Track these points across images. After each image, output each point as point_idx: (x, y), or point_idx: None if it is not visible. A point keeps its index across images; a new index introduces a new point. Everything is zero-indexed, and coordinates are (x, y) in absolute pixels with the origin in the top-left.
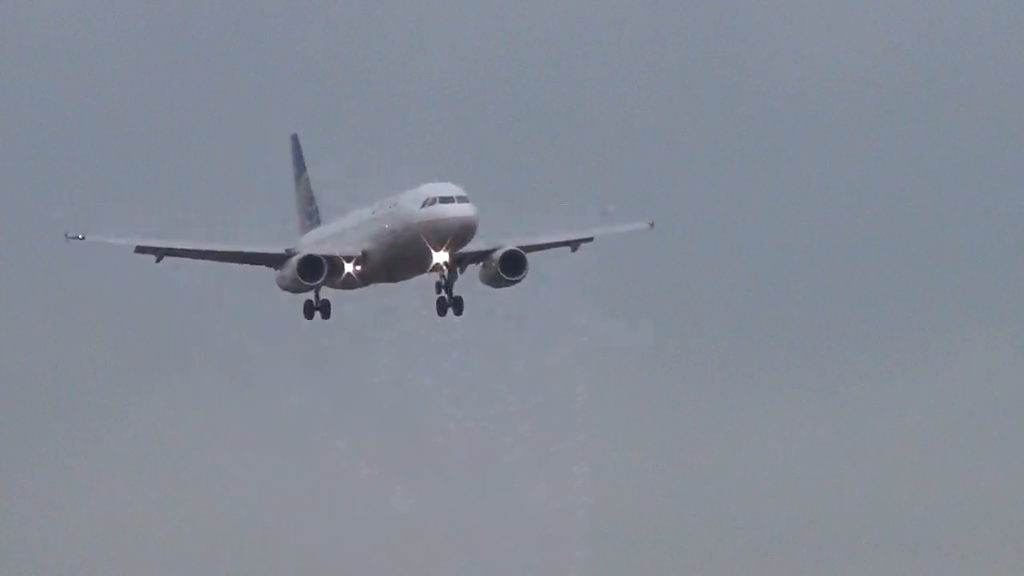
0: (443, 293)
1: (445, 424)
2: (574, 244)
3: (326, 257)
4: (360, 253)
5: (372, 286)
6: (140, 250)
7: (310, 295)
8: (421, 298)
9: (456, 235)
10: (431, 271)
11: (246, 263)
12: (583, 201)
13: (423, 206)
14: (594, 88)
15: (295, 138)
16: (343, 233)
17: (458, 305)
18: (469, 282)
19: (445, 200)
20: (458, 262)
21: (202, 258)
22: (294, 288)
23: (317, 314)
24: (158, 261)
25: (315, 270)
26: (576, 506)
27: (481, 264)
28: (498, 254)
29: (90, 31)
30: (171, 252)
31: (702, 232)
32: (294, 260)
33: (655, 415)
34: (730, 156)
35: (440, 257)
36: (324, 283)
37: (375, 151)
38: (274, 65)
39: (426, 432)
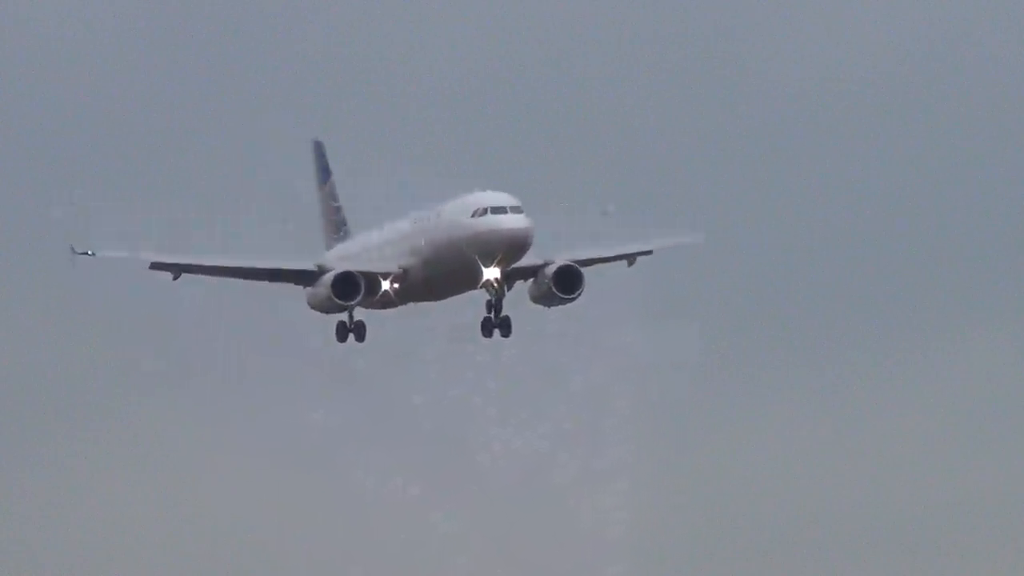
0: (491, 313)
1: (493, 457)
2: (631, 258)
3: (363, 274)
4: (399, 269)
5: (409, 305)
6: (156, 267)
7: (343, 316)
8: (463, 317)
9: (509, 250)
10: (479, 288)
11: (272, 281)
12: (637, 211)
13: (472, 217)
14: (646, 95)
15: (318, 144)
16: (378, 247)
17: (505, 326)
18: (517, 300)
19: (497, 210)
20: (506, 278)
21: (223, 276)
22: (327, 308)
23: (351, 336)
24: (175, 279)
25: (351, 289)
26: (632, 536)
27: (531, 280)
28: (551, 269)
29: (102, 33)
30: (190, 269)
31: (760, 243)
32: (328, 277)
33: (717, 446)
34: (778, 165)
35: (490, 273)
36: (360, 303)
37: (402, 159)
38: (293, 68)
39: (473, 466)
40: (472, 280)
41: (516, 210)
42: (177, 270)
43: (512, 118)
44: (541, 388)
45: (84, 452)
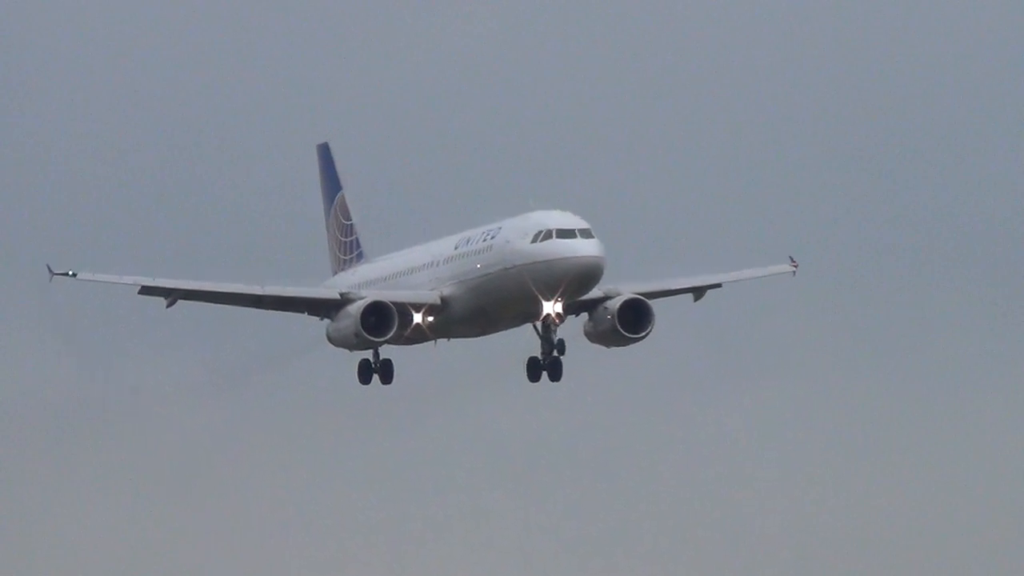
0: (549, 352)
1: (546, 523)
2: (698, 292)
3: (396, 305)
4: (438, 300)
5: (439, 341)
6: (147, 291)
7: (367, 353)
8: (505, 356)
9: (578, 280)
10: (531, 321)
11: (284, 310)
12: (701, 237)
13: (534, 241)
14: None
15: (325, 148)
16: (409, 272)
17: (555, 368)
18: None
19: (564, 234)
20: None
21: (226, 303)
22: (352, 344)
23: (375, 378)
24: (169, 306)
25: (383, 322)
26: None
27: (588, 315)
28: (616, 304)
29: (96, 42)
30: (187, 295)
31: (848, 275)
32: (355, 308)
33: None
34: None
35: (550, 307)
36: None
37: (425, 173)
38: (298, 73)
39: (521, 531)
40: (526, 314)
41: (586, 234)
42: (172, 296)
43: (565, 132)
44: (598, 446)
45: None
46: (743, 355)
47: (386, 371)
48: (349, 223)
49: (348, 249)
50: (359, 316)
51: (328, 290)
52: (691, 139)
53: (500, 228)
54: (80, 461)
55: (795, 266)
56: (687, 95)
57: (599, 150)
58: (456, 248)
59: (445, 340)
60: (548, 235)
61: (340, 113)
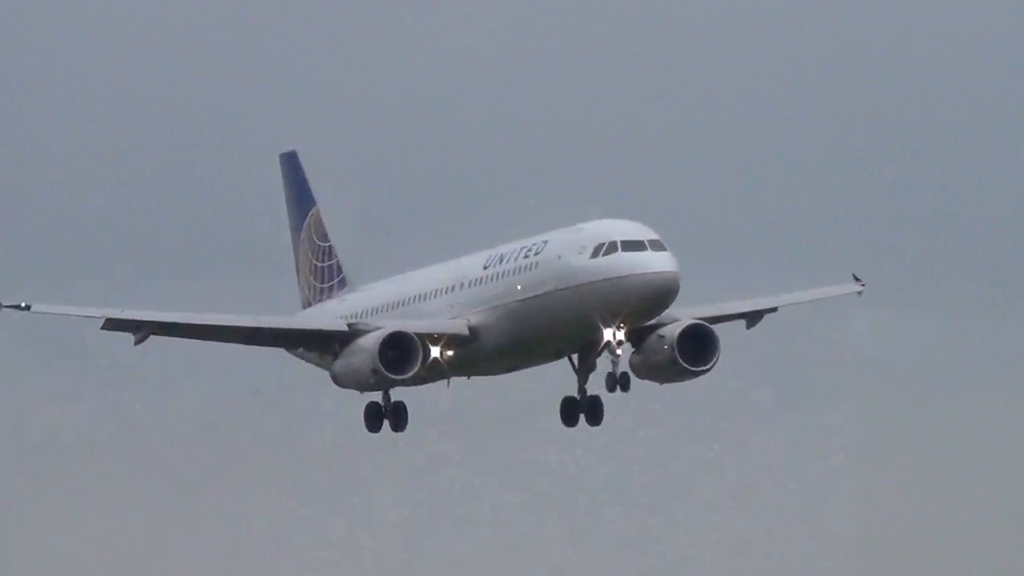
0: (614, 385)
1: None
2: (753, 317)
3: (419, 336)
4: (465, 330)
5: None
6: (112, 326)
7: (375, 394)
8: (532, 395)
9: (650, 300)
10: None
11: (276, 346)
12: (748, 254)
13: (595, 255)
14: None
15: (291, 158)
16: (419, 300)
17: (594, 409)
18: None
19: (631, 246)
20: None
21: (206, 338)
22: (367, 384)
23: (385, 424)
24: (138, 343)
25: (405, 356)
26: None
27: (635, 346)
28: (675, 331)
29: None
30: (162, 329)
31: (923, 294)
32: (371, 341)
33: None
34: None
35: (610, 334)
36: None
37: (415, 187)
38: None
39: None
40: (576, 344)
41: (657, 246)
42: (143, 330)
43: (580, 140)
44: (652, 504)
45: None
46: (808, 391)
47: (398, 416)
48: (326, 245)
49: (326, 276)
50: (377, 350)
51: (335, 320)
52: (720, 140)
53: (546, 242)
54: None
55: (862, 285)
56: (729, 96)
57: (616, 157)
58: (486, 267)
59: (464, 378)
60: (612, 248)
61: (308, 116)
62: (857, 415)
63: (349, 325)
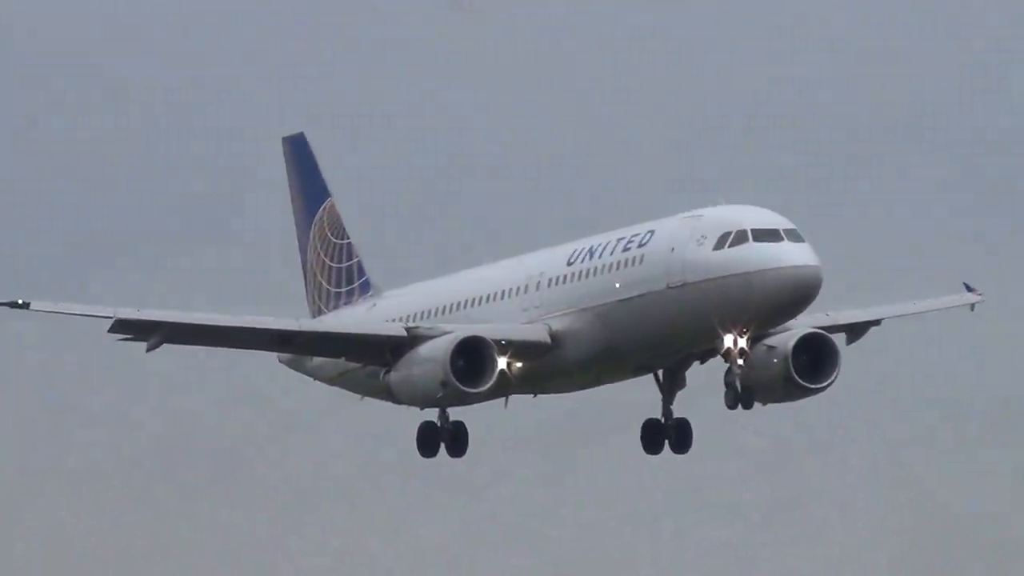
0: (736, 402)
1: None
2: (855, 330)
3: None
4: (546, 337)
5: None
6: (122, 328)
7: (429, 413)
8: (598, 416)
9: (790, 300)
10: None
11: (313, 354)
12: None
13: (719, 246)
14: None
15: (298, 141)
16: (482, 302)
17: (683, 435)
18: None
19: (764, 235)
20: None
21: (230, 344)
22: (434, 399)
23: (442, 447)
24: (151, 349)
25: (480, 365)
26: None
27: (733, 361)
28: (788, 341)
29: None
30: (181, 333)
31: None
32: (441, 347)
33: None
34: None
35: (730, 340)
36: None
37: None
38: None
39: None
40: (680, 352)
41: (794, 236)
42: (158, 334)
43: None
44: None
45: None
46: (923, 417)
47: (458, 438)
48: (344, 243)
49: (343, 279)
50: (448, 358)
51: (391, 325)
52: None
53: (652, 232)
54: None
55: (979, 296)
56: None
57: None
58: (571, 263)
59: (529, 396)
60: (741, 237)
61: (319, 95)
62: (973, 444)
63: (408, 330)
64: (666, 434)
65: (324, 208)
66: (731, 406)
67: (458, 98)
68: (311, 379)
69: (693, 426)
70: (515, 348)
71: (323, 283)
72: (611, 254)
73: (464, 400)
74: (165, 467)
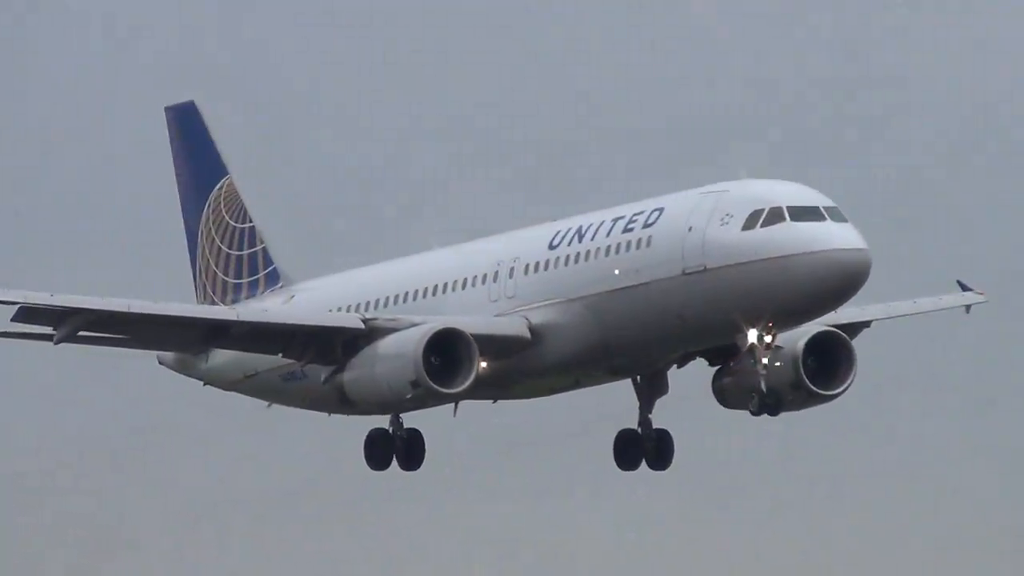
0: (764, 397)
1: None
2: (849, 331)
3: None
4: (525, 332)
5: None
6: (28, 316)
7: (379, 419)
8: (561, 424)
9: (833, 291)
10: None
11: (249, 349)
12: None
13: (749, 226)
14: None
15: (186, 112)
16: (442, 291)
17: (662, 447)
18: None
19: (804, 214)
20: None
21: (148, 338)
22: (396, 402)
23: (394, 459)
24: (60, 341)
25: (455, 363)
26: None
27: (726, 364)
28: (799, 342)
29: None
30: (98, 321)
31: None
32: (412, 341)
33: None
34: None
35: (754, 335)
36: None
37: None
38: None
39: None
40: (682, 350)
41: (836, 215)
42: (72, 324)
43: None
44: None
45: None
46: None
47: (412, 448)
48: (245, 227)
49: (244, 268)
50: (420, 353)
51: (343, 315)
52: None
53: (660, 211)
54: None
55: (980, 295)
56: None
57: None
58: (554, 246)
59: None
60: (775, 216)
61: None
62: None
63: (365, 321)
64: (643, 447)
65: (220, 188)
66: (756, 412)
67: (383, 59)
68: (201, 383)
69: (674, 438)
70: (488, 344)
71: (218, 273)
72: (607, 236)
73: (437, 401)
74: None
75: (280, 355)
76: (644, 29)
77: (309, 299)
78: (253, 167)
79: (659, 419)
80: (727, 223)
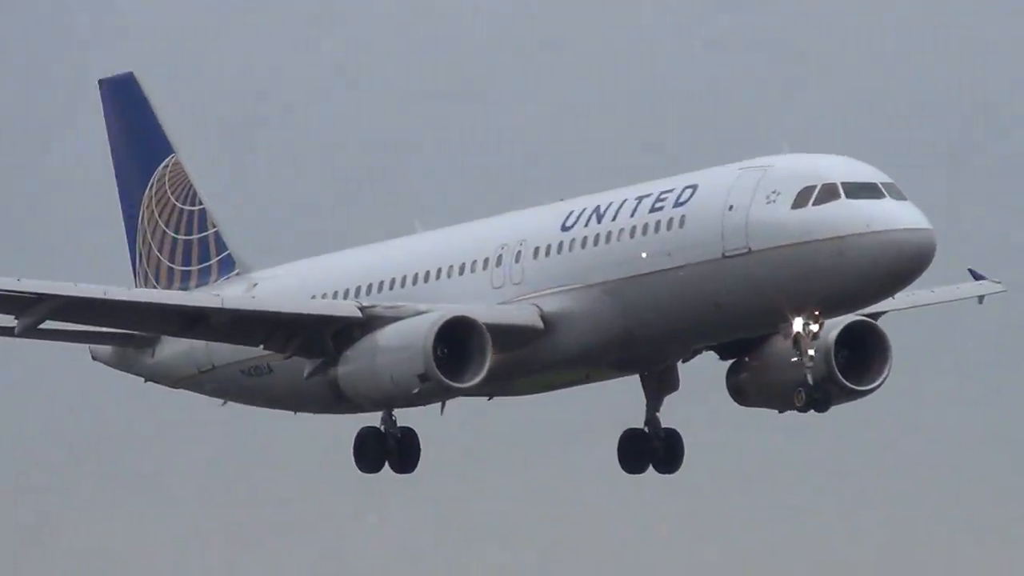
0: (812, 390)
1: None
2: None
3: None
4: (538, 321)
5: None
6: None
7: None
8: (560, 423)
9: (896, 276)
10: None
11: (231, 340)
12: None
13: (801, 204)
14: None
15: (123, 84)
16: (435, 276)
17: (671, 450)
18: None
19: (860, 190)
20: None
21: (121, 326)
22: (400, 396)
23: (386, 461)
24: (23, 333)
25: (468, 354)
26: None
27: (743, 358)
28: (827, 330)
29: None
30: (67, 310)
31: None
32: (420, 330)
33: None
34: None
35: (800, 324)
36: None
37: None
38: None
39: None
40: (712, 338)
41: (895, 192)
42: (38, 313)
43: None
44: None
45: None
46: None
47: (407, 449)
48: (193, 209)
49: (194, 254)
50: (430, 343)
51: (339, 303)
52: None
53: (693, 188)
54: None
55: (998, 283)
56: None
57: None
58: (567, 227)
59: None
60: (829, 193)
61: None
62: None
63: (362, 309)
64: (651, 448)
65: (165, 166)
66: (803, 408)
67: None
68: (142, 380)
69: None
70: (495, 335)
71: (162, 259)
72: (631, 216)
73: (445, 397)
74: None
75: (261, 347)
76: None
77: (277, 288)
78: (203, 145)
79: (668, 418)
80: (774, 201)
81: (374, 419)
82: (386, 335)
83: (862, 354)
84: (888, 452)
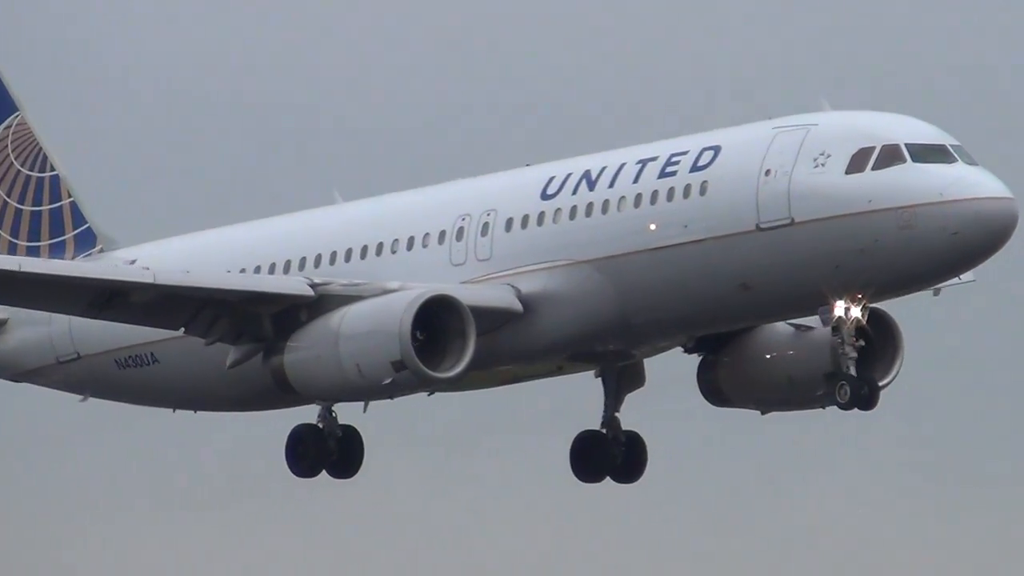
0: (855, 385)
1: None
2: None
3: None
4: (515, 303)
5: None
6: None
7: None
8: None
9: (973, 252)
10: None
11: (153, 323)
12: None
13: (856, 169)
14: None
15: None
16: (379, 251)
17: (632, 456)
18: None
19: (927, 153)
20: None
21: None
22: (369, 387)
23: (323, 466)
24: None
25: (445, 340)
26: None
27: (738, 351)
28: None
29: None
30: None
31: None
32: (395, 311)
33: None
34: None
35: (842, 308)
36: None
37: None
38: None
39: None
40: (728, 324)
41: (966, 156)
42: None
43: None
44: None
45: None
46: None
47: (349, 450)
48: (45, 175)
49: (45, 228)
50: (408, 327)
51: (288, 280)
52: None
53: (716, 149)
54: None
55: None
56: None
57: None
58: (549, 195)
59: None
60: (892, 155)
61: None
62: None
63: (314, 287)
64: (609, 454)
65: (8, 127)
66: (847, 406)
67: None
68: None
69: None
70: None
71: (4, 235)
72: (634, 182)
73: (419, 389)
74: None
75: (181, 330)
76: None
77: (163, 266)
78: (60, 102)
79: (628, 419)
80: (823, 164)
81: (302, 415)
82: (350, 317)
83: (868, 347)
84: (884, 456)
